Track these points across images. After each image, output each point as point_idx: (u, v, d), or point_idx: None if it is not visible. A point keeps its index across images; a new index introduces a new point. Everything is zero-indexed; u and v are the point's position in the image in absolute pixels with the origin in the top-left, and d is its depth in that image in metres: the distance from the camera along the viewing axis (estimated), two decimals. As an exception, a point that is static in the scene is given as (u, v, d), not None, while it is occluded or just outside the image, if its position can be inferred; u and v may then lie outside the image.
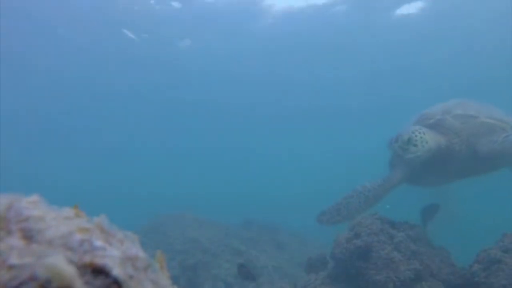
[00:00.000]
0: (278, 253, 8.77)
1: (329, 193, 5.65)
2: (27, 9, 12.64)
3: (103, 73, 17.82)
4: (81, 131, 24.06)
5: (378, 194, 4.93)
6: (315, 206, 5.51)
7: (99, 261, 0.59)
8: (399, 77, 18.07)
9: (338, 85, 18.95)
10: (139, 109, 22.64)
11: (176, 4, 13.60)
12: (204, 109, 22.84)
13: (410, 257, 3.63)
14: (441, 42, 15.53)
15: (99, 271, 0.59)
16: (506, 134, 4.08)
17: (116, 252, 0.63)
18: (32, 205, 0.66)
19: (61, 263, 0.55)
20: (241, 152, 28.89)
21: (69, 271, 0.55)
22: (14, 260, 0.55)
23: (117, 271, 0.60)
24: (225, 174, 29.99)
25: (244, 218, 11.17)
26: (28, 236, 0.60)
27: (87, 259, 0.59)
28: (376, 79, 18.26)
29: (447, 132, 4.40)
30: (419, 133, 4.19)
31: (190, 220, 9.30)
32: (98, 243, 0.63)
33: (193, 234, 8.15)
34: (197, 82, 19.52)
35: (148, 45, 15.89)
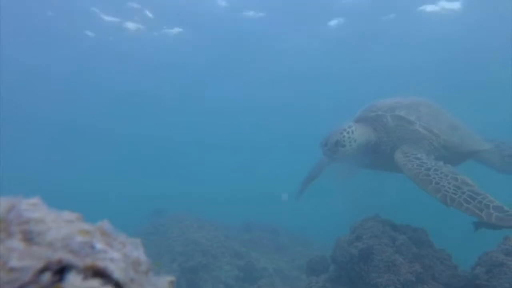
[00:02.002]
0: (278, 255, 8.75)
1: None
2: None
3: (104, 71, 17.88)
4: (80, 130, 24.08)
5: (316, 169, 5.93)
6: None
7: (100, 263, 0.59)
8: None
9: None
10: (136, 108, 22.67)
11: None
12: (205, 107, 22.93)
13: (412, 260, 3.61)
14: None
15: (100, 274, 0.58)
16: (418, 156, 4.21)
17: (117, 255, 0.62)
18: (32, 207, 0.65)
19: None
20: (239, 151, 28.91)
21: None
22: (14, 262, 0.55)
23: (118, 273, 0.59)
24: (224, 173, 29.96)
25: (245, 220, 11.16)
26: (29, 238, 0.60)
27: (88, 261, 0.58)
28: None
29: (380, 129, 4.67)
30: (347, 132, 4.45)
31: (190, 222, 9.29)
32: (99, 245, 0.62)
33: (194, 236, 8.14)
34: (202, 79, 19.63)
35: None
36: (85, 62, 16.95)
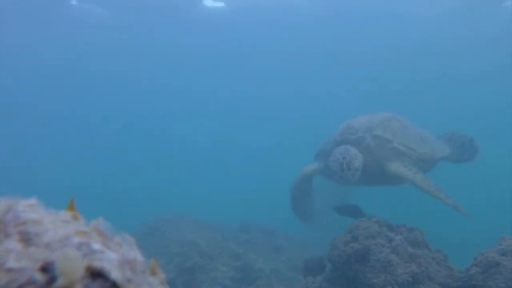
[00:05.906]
0: (275, 256, 8.75)
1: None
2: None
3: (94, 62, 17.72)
4: (76, 126, 23.96)
5: (297, 183, 5.95)
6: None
7: (97, 264, 0.59)
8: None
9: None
10: (134, 107, 22.61)
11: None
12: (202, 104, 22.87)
13: (408, 260, 3.63)
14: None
15: (97, 274, 0.59)
16: (417, 170, 4.97)
17: (114, 255, 0.63)
18: (29, 208, 0.66)
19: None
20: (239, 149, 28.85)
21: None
22: (12, 263, 0.55)
23: (115, 274, 0.59)
24: (223, 172, 29.88)
25: (242, 220, 11.15)
26: (26, 239, 0.60)
27: (85, 262, 0.59)
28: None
29: (364, 150, 5.07)
30: (358, 156, 4.92)
31: (187, 222, 9.28)
32: (96, 246, 0.63)
33: (191, 236, 8.12)
34: (205, 76, 19.59)
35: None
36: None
